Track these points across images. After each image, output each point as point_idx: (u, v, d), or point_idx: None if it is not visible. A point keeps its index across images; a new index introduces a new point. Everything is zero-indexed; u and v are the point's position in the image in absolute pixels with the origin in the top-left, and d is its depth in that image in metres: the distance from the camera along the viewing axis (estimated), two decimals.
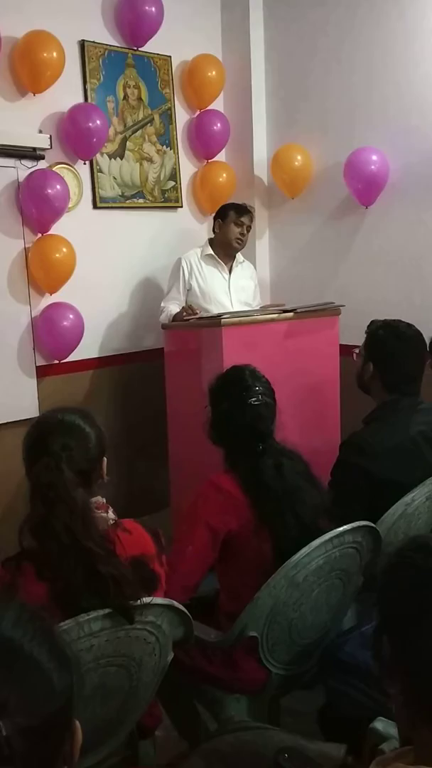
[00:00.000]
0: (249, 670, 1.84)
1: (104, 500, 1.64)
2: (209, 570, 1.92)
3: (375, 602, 1.03)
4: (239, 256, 3.68)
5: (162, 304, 3.58)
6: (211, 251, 3.58)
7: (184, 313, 3.31)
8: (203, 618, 1.86)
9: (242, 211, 3.56)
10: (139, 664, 1.55)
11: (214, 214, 3.65)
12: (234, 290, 3.61)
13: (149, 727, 1.79)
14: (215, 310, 3.45)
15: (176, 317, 3.37)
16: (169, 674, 1.66)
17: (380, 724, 1.33)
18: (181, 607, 1.57)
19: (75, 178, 3.60)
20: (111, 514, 1.63)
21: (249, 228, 3.58)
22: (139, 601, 1.48)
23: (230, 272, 3.63)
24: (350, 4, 3.74)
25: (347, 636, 1.90)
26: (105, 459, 1.68)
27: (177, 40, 3.96)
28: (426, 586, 0.94)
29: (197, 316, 3.28)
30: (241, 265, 3.69)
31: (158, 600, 1.54)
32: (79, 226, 3.58)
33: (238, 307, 3.55)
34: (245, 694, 1.90)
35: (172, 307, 3.49)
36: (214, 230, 3.63)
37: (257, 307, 3.69)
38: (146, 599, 1.50)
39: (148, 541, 1.62)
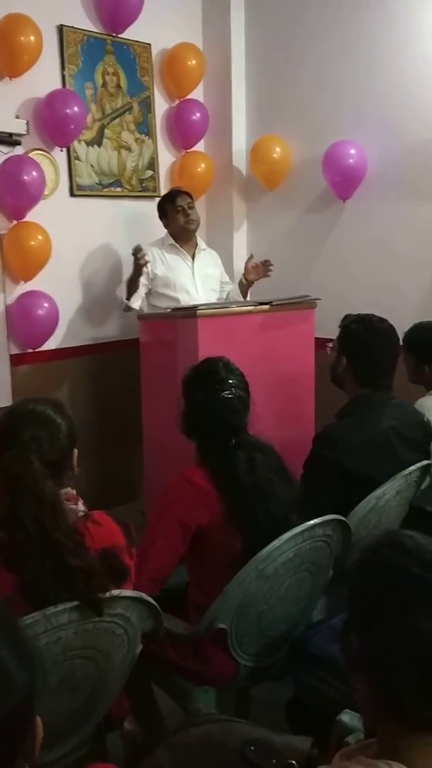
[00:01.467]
0: (218, 661, 1.85)
1: (74, 492, 1.63)
2: (179, 562, 1.92)
3: (345, 596, 1.03)
4: (201, 242, 3.68)
5: (123, 298, 3.54)
6: (172, 241, 3.59)
7: (134, 255, 3.29)
8: (172, 610, 1.86)
9: (174, 195, 3.59)
10: (107, 657, 1.55)
11: (158, 213, 3.65)
12: (199, 277, 3.60)
13: (117, 719, 1.79)
14: (182, 298, 3.46)
15: (130, 279, 3.37)
16: (134, 666, 1.66)
17: (346, 717, 1.34)
18: (150, 599, 1.57)
19: (52, 165, 3.56)
20: (81, 506, 1.62)
21: (191, 205, 3.58)
22: (107, 593, 1.47)
23: (193, 259, 3.62)
24: (331, 2, 3.72)
25: (316, 629, 1.91)
26: (76, 451, 1.66)
27: (157, 27, 3.93)
28: (396, 584, 0.94)
29: (171, 308, 3.26)
30: (204, 252, 3.69)
31: (127, 592, 1.53)
32: (56, 213, 3.54)
33: (203, 294, 3.56)
34: (214, 686, 1.90)
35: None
36: (165, 228, 3.63)
37: (230, 289, 3.72)
38: (115, 592, 1.49)
39: (118, 533, 1.61)
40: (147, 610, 1.59)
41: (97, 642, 1.51)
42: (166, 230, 3.63)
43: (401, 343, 2.61)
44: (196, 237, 3.68)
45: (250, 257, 3.67)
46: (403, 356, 2.66)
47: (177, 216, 3.55)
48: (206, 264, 3.68)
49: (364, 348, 2.25)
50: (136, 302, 3.48)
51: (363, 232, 3.78)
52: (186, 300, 3.46)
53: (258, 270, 3.58)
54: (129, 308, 3.49)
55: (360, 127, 3.69)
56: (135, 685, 1.80)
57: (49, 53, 3.47)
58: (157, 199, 3.77)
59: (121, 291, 3.55)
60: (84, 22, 3.67)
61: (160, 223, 3.66)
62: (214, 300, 3.61)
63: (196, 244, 3.66)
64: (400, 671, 0.91)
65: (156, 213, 3.68)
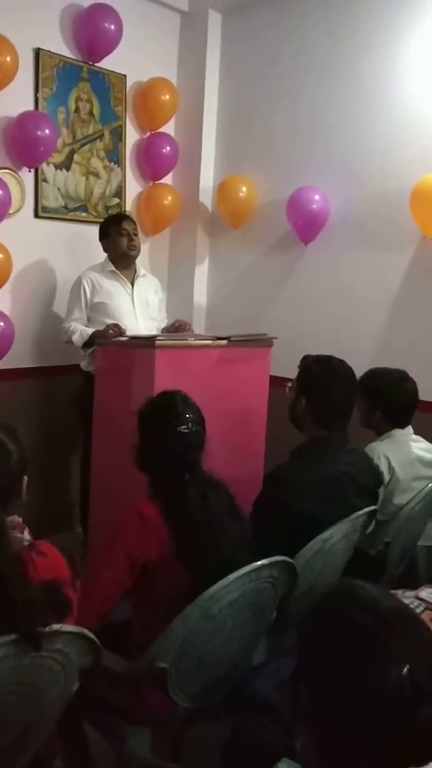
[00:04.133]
0: (155, 702, 1.81)
1: (20, 520, 1.59)
2: (123, 596, 1.88)
3: (295, 645, 1.01)
4: (140, 269, 3.65)
5: (65, 325, 3.49)
6: (112, 267, 3.54)
7: (111, 331, 3.24)
8: (113, 645, 1.81)
9: (120, 219, 3.56)
10: (42, 694, 1.49)
11: (99, 234, 3.60)
12: (138, 305, 3.56)
13: (47, 759, 1.73)
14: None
15: (99, 336, 3.28)
16: (69, 704, 1.61)
17: (284, 765, 1.32)
18: (90, 635, 1.53)
19: (18, 184, 3.54)
20: (26, 535, 1.58)
21: (135, 231, 3.55)
22: (48, 627, 1.43)
23: (133, 285, 3.58)
24: (305, 44, 3.85)
25: (257, 671, 1.89)
26: (26, 478, 1.63)
27: (134, 60, 3.98)
28: (348, 636, 0.93)
29: (130, 336, 3.24)
30: (143, 279, 3.65)
31: (68, 627, 1.48)
32: (19, 233, 3.52)
33: (143, 323, 3.52)
34: (149, 727, 1.86)
35: (82, 327, 3.42)
36: (105, 251, 3.58)
37: (163, 322, 3.68)
38: (55, 626, 1.45)
39: (63, 565, 1.57)
40: (87, 646, 1.54)
41: (33, 678, 1.46)
42: (105, 254, 3.57)
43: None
44: (136, 263, 3.63)
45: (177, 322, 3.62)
46: (357, 400, 2.70)
47: (120, 239, 3.50)
48: (146, 290, 3.64)
49: (323, 389, 2.27)
50: (78, 339, 3.42)
51: (323, 275, 3.85)
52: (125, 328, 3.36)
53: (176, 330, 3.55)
54: (71, 342, 3.46)
55: (325, 174, 3.79)
56: (67, 723, 1.74)
57: (24, 75, 3.47)
58: None
59: (70, 330, 3.45)
60: (62, 47, 3.69)
61: None
62: (153, 329, 3.57)
63: (135, 270, 3.62)
64: (348, 726, 0.89)
65: None
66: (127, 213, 3.73)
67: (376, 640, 0.92)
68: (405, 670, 0.89)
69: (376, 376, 2.74)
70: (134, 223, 3.59)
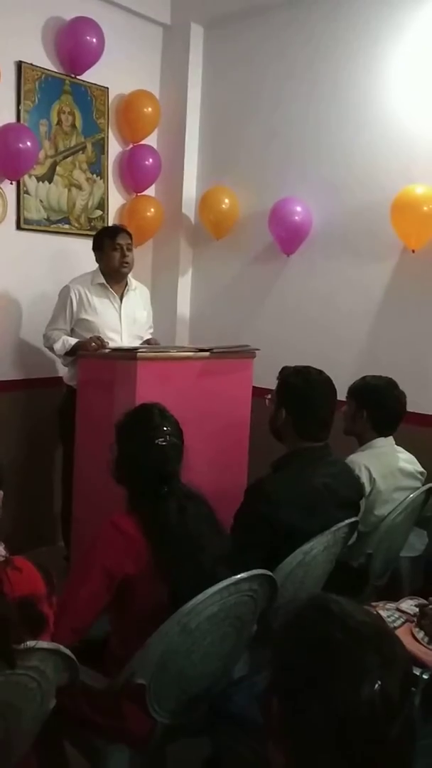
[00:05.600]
0: (134, 718, 1.78)
1: None
2: (101, 612, 1.86)
3: (268, 660, 1.01)
4: (132, 281, 3.57)
5: (47, 332, 3.45)
6: (102, 280, 3.46)
7: (92, 344, 3.22)
8: (91, 662, 1.79)
9: (115, 233, 3.46)
10: (17, 712, 1.47)
11: (93, 245, 3.53)
12: (125, 322, 3.50)
13: None
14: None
15: (81, 347, 3.26)
16: (46, 722, 1.58)
17: None
18: (67, 651, 1.51)
19: (0, 197, 3.53)
20: (1, 551, 1.56)
21: (130, 247, 3.46)
22: (23, 644, 1.41)
23: (122, 299, 3.52)
24: (287, 58, 3.88)
25: (237, 686, 1.87)
26: (1, 492, 1.61)
27: (116, 72, 4.00)
28: (320, 651, 0.92)
29: (111, 348, 3.23)
30: (133, 292, 3.57)
31: (43, 644, 1.47)
32: (0, 245, 3.50)
33: (128, 340, 3.46)
34: (129, 744, 1.83)
35: (65, 336, 3.39)
36: (97, 261, 3.51)
37: (149, 336, 3.64)
38: (31, 643, 1.43)
39: (39, 581, 1.55)
40: (63, 663, 1.53)
41: (8, 696, 1.44)
42: (96, 264, 3.50)
43: (346, 392, 2.65)
44: (128, 276, 3.55)
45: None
46: (345, 406, 2.70)
47: (113, 254, 3.42)
48: (135, 305, 3.57)
49: (303, 400, 2.27)
50: (60, 348, 3.40)
51: (305, 286, 3.87)
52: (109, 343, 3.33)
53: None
54: (52, 350, 3.43)
55: (307, 186, 3.81)
56: (45, 742, 1.71)
57: (5, 88, 3.48)
58: None
59: (52, 338, 3.43)
60: (44, 60, 3.70)
61: None
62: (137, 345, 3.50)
63: (126, 283, 3.54)
64: (318, 742, 0.89)
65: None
66: (121, 226, 3.64)
67: (347, 656, 0.91)
68: (376, 686, 0.89)
69: (367, 379, 2.76)
70: (130, 237, 3.49)
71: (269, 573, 1.88)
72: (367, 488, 2.52)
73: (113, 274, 3.47)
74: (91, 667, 1.77)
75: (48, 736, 1.68)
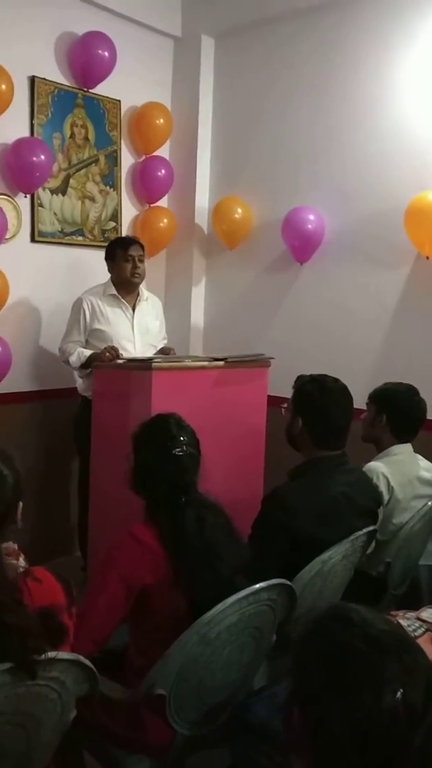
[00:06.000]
0: (154, 729, 1.78)
1: (16, 546, 1.58)
2: (121, 622, 1.86)
3: (289, 670, 1.00)
4: (144, 291, 3.60)
5: (62, 345, 3.48)
6: (113, 290, 3.49)
7: (107, 354, 3.24)
8: (110, 672, 1.79)
9: (127, 244, 3.49)
10: (38, 723, 1.47)
11: (105, 255, 3.56)
12: (138, 332, 3.52)
13: None
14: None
15: (96, 358, 3.28)
16: (66, 732, 1.58)
17: None
18: (87, 662, 1.51)
19: (14, 209, 3.56)
20: (22, 561, 1.57)
21: (141, 258, 3.49)
22: (43, 655, 1.41)
23: (134, 310, 3.54)
24: (298, 67, 3.90)
25: (257, 697, 1.87)
26: (21, 504, 1.62)
27: (128, 85, 4.03)
28: (340, 659, 0.92)
29: (127, 359, 3.25)
30: (146, 303, 3.60)
31: (64, 655, 1.47)
32: (15, 258, 3.54)
33: (142, 349, 3.49)
34: (148, 755, 1.83)
35: (80, 348, 3.41)
36: (109, 272, 3.54)
37: (162, 344, 3.66)
38: (51, 654, 1.43)
39: (59, 592, 1.56)
40: (83, 674, 1.53)
41: (28, 707, 1.44)
42: (109, 275, 3.53)
43: (361, 400, 2.64)
44: (139, 286, 3.58)
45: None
46: (365, 412, 2.70)
47: (125, 265, 3.45)
48: (147, 315, 3.59)
49: (319, 409, 2.26)
50: (76, 360, 3.42)
51: (319, 294, 3.87)
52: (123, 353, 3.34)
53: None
54: (68, 363, 3.46)
55: (319, 194, 3.82)
56: (65, 752, 1.71)
57: (19, 102, 3.52)
58: None
59: (68, 351, 3.45)
60: (56, 75, 3.74)
61: None
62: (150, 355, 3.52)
63: (138, 294, 3.57)
64: (341, 752, 0.88)
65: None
66: (134, 237, 3.65)
67: (368, 665, 0.91)
68: (398, 694, 0.88)
69: (388, 385, 2.76)
70: (142, 249, 3.52)
71: (288, 582, 1.87)
72: (386, 496, 2.51)
73: (124, 284, 3.50)
74: (110, 677, 1.77)
75: (68, 746, 1.68)
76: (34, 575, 1.53)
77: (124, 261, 3.46)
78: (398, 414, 2.66)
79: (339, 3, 3.69)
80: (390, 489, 2.54)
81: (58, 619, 1.50)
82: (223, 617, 1.71)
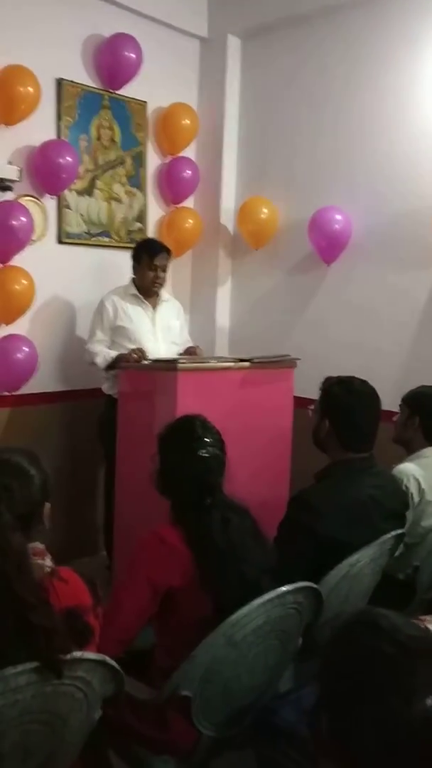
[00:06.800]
0: (180, 730, 1.78)
1: (42, 546, 1.59)
2: (147, 623, 1.86)
3: (316, 674, 0.99)
4: (163, 293, 3.64)
5: (88, 346, 3.51)
6: (135, 291, 3.54)
7: (134, 355, 3.26)
8: (136, 672, 1.79)
9: (154, 253, 3.51)
10: (64, 722, 1.48)
11: (132, 254, 3.59)
12: (160, 329, 3.56)
13: None
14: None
15: (121, 359, 3.30)
16: (92, 732, 1.59)
17: None
18: (113, 662, 1.51)
19: (41, 211, 3.59)
20: (48, 562, 1.57)
21: (165, 267, 3.54)
22: (69, 655, 1.42)
23: (155, 310, 3.58)
24: (325, 66, 3.87)
25: (283, 700, 1.85)
26: (48, 504, 1.63)
27: (154, 86, 4.04)
28: (369, 664, 0.91)
29: (152, 360, 3.25)
30: (166, 303, 3.64)
31: (90, 655, 1.47)
32: (42, 259, 3.56)
33: (164, 347, 3.53)
34: (173, 756, 1.83)
35: (106, 350, 3.44)
36: (132, 272, 3.58)
37: (186, 345, 3.67)
38: (77, 653, 1.44)
39: (84, 592, 1.56)
40: (109, 674, 1.53)
41: (55, 706, 1.45)
42: (132, 276, 3.57)
43: (388, 403, 2.61)
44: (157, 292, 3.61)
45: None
46: (398, 414, 2.68)
47: (148, 273, 3.51)
48: (168, 315, 3.64)
49: (346, 411, 2.24)
50: (102, 362, 3.44)
51: (346, 295, 3.84)
52: (147, 351, 3.35)
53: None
54: (94, 364, 3.47)
55: (346, 194, 3.79)
56: (91, 752, 1.72)
57: (46, 104, 3.54)
58: None
59: (93, 352, 3.47)
60: (83, 77, 3.76)
61: None
62: (174, 353, 3.56)
63: (158, 296, 3.61)
64: (369, 757, 0.87)
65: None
66: (162, 244, 3.63)
67: (398, 671, 0.90)
68: (429, 701, 0.87)
69: (422, 388, 2.74)
70: (168, 255, 3.56)
71: (314, 585, 1.86)
72: (416, 498, 2.47)
73: (145, 289, 3.56)
74: (136, 677, 1.77)
75: (94, 745, 1.68)
76: (60, 575, 1.54)
77: (148, 269, 3.52)
78: (431, 416, 2.64)
79: (368, 1, 3.66)
80: (421, 491, 2.50)
81: (83, 619, 1.51)
82: (249, 620, 1.71)
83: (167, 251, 3.58)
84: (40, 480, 1.59)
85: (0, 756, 1.38)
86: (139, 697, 1.76)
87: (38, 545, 1.57)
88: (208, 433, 1.93)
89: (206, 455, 1.88)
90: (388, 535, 2.16)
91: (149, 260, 3.50)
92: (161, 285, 3.58)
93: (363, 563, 2.09)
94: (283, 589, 1.75)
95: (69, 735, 1.52)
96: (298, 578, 1.82)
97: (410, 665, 0.91)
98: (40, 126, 3.53)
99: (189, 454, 1.88)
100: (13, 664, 1.35)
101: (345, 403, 2.25)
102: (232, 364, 3.19)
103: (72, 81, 3.70)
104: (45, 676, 1.39)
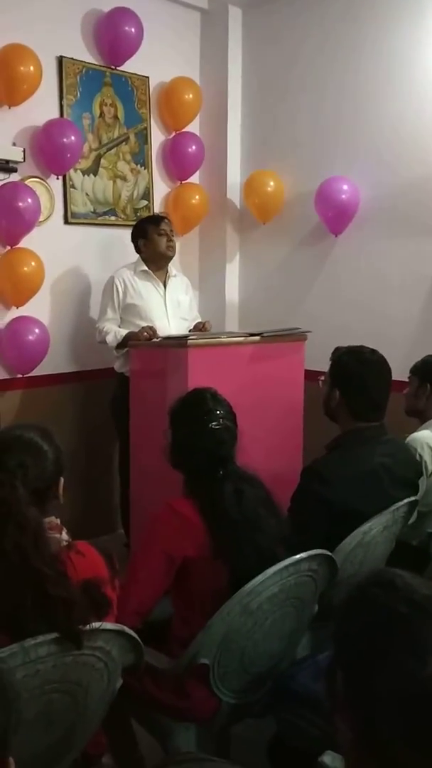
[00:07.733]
0: (199, 698, 1.81)
1: (58, 521, 1.61)
2: (164, 594, 1.89)
3: (331, 635, 1.00)
4: (171, 269, 3.64)
5: (98, 325, 3.52)
6: (145, 267, 3.54)
7: (145, 333, 3.26)
8: (155, 643, 1.82)
9: (158, 220, 3.58)
10: (86, 691, 1.51)
11: (131, 237, 3.60)
12: (170, 305, 3.57)
13: (94, 756, 1.75)
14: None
15: (132, 337, 3.32)
16: (112, 701, 1.62)
17: (328, 758, 1.31)
18: (131, 632, 1.54)
19: (47, 192, 3.58)
20: (64, 535, 1.60)
21: (172, 232, 3.58)
22: (88, 625, 1.44)
23: (165, 286, 3.59)
24: (327, 32, 3.82)
25: (300, 665, 1.88)
26: (62, 479, 1.65)
27: (155, 61, 4.00)
28: (383, 623, 0.91)
29: (163, 337, 3.26)
30: (174, 279, 3.65)
31: (108, 625, 1.50)
32: (50, 240, 3.56)
33: (174, 323, 3.53)
34: (194, 723, 1.86)
35: (116, 328, 3.45)
36: (139, 251, 3.57)
37: (195, 321, 3.67)
38: (96, 624, 1.46)
39: (101, 564, 1.59)
40: (128, 644, 1.56)
41: (75, 676, 1.48)
42: (138, 255, 3.57)
43: (398, 372, 2.61)
44: (168, 265, 3.63)
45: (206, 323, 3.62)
46: (407, 385, 2.67)
47: (159, 239, 3.51)
48: (177, 290, 3.65)
49: (356, 380, 2.24)
50: (112, 340, 3.45)
51: (355, 265, 3.82)
52: (157, 329, 3.36)
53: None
54: (105, 342, 3.49)
55: (353, 163, 3.75)
56: (113, 720, 1.76)
57: (48, 83, 3.52)
58: None
59: (104, 330, 3.48)
60: (83, 54, 3.73)
61: None
62: (184, 329, 3.58)
63: (167, 271, 3.62)
64: (384, 715, 0.88)
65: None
66: (163, 214, 3.71)
67: (412, 629, 0.90)
68: None
69: (429, 357, 2.72)
70: (170, 224, 3.61)
71: (328, 553, 1.87)
72: (430, 467, 2.48)
73: (158, 260, 3.55)
74: (155, 648, 1.81)
75: (116, 714, 1.72)
76: (77, 548, 1.57)
77: (157, 235, 3.52)
78: None
79: None
80: None
81: (101, 590, 1.53)
82: (264, 588, 1.73)
83: (168, 218, 3.64)
84: (53, 455, 1.60)
85: (26, 724, 1.41)
86: (159, 666, 1.79)
87: (54, 520, 1.60)
88: (219, 405, 1.93)
89: (217, 427, 1.89)
90: (402, 503, 2.17)
91: (156, 227, 3.52)
92: (174, 250, 3.59)
93: (376, 531, 2.10)
94: (298, 557, 1.77)
95: (91, 704, 1.55)
96: (312, 547, 1.83)
97: (425, 625, 0.91)
98: (42, 105, 3.51)
99: (200, 426, 1.89)
100: (34, 635, 1.38)
101: (355, 372, 2.25)
102: (242, 339, 3.19)
103: (72, 58, 3.67)
104: (65, 647, 1.42)
